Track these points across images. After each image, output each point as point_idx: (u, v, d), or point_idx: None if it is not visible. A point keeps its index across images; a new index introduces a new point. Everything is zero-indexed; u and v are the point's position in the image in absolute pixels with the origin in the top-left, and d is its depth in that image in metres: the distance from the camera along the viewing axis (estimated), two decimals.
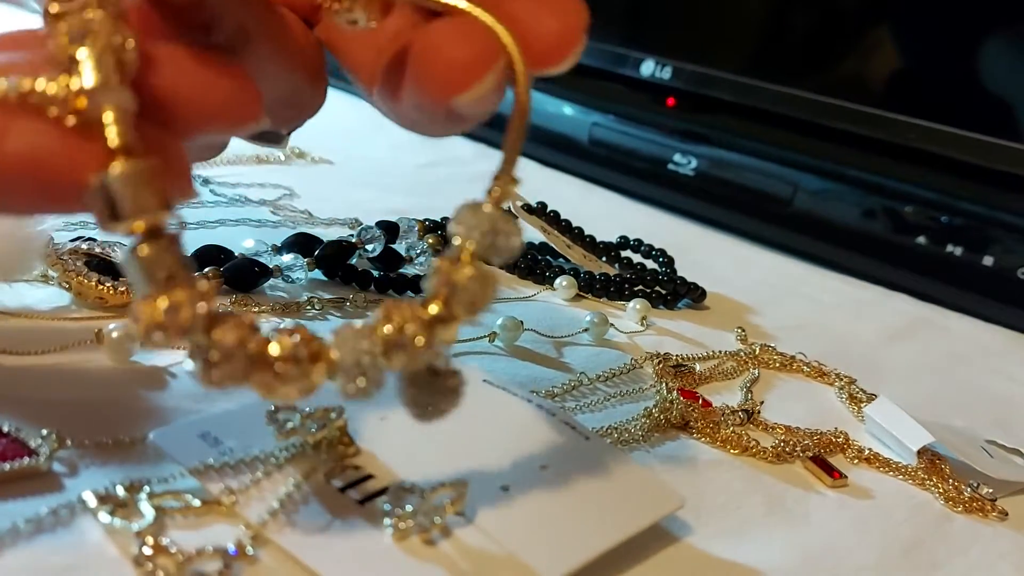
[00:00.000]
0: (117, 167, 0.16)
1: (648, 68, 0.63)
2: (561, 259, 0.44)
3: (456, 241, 0.19)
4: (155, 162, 0.17)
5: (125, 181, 0.16)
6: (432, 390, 0.19)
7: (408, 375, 0.19)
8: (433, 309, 0.19)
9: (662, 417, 0.29)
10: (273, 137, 0.26)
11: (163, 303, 0.16)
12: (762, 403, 0.33)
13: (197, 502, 0.20)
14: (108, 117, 0.16)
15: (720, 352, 0.36)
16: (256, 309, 0.31)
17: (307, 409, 0.23)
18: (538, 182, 0.62)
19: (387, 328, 0.18)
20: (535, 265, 0.41)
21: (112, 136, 0.16)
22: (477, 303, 0.19)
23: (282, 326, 0.18)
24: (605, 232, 0.46)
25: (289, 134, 0.27)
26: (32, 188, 0.17)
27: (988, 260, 0.47)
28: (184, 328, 0.17)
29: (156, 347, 0.19)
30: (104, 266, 0.30)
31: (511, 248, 0.19)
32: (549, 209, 0.45)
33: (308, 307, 0.33)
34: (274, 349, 0.17)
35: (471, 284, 0.19)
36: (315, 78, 0.24)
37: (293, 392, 0.17)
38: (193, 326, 0.17)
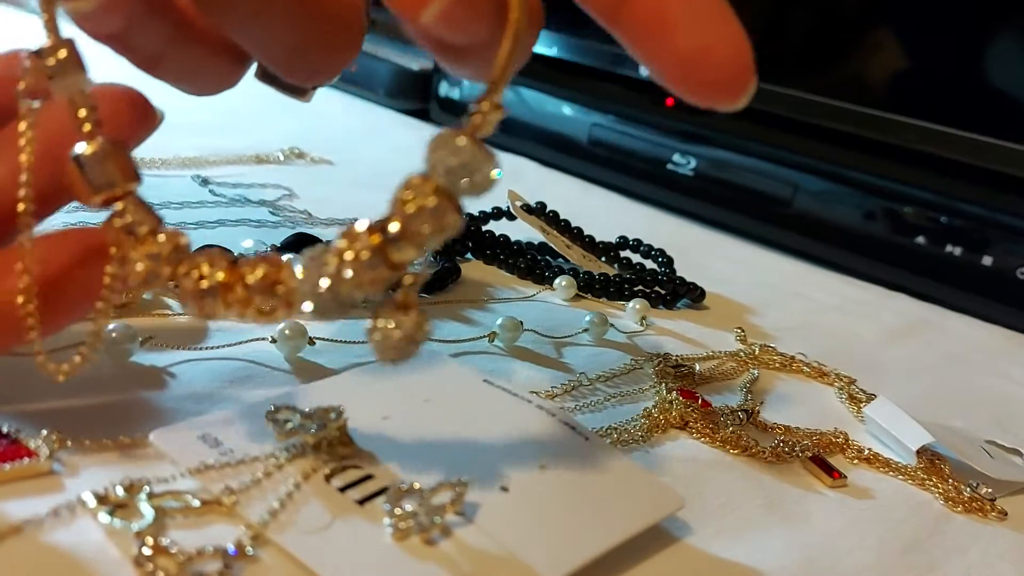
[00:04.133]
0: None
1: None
2: (560, 259, 0.44)
3: (425, 169, 0.19)
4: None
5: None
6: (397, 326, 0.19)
7: (376, 306, 0.20)
8: (393, 227, 0.19)
9: (662, 417, 0.29)
10: (296, 90, 0.27)
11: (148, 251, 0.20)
12: (762, 403, 0.33)
13: (197, 502, 0.20)
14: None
15: (720, 352, 0.36)
16: None
17: (307, 409, 0.23)
18: (537, 182, 0.62)
19: (342, 243, 0.19)
20: (534, 265, 0.41)
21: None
22: (430, 233, 0.19)
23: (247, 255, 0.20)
24: (604, 232, 0.46)
25: (314, 89, 0.27)
26: None
27: (987, 260, 0.47)
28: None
29: (146, 289, 0.21)
30: None
31: (483, 186, 0.19)
32: (548, 209, 0.45)
33: None
34: (250, 278, 0.20)
35: (427, 215, 0.19)
36: (331, 30, 0.23)
37: (258, 316, 0.20)
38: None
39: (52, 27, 0.19)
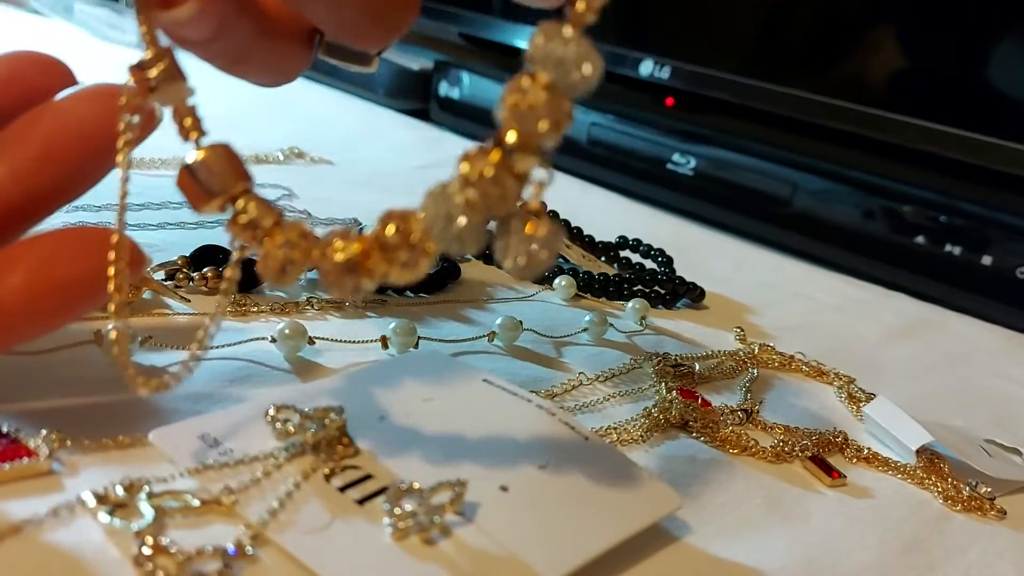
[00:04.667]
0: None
1: (647, 68, 0.63)
2: (560, 259, 0.44)
3: (528, 69, 0.18)
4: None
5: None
6: (523, 238, 0.19)
7: (500, 224, 0.19)
8: (510, 137, 0.18)
9: (661, 417, 0.29)
10: (361, 57, 0.27)
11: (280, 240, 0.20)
12: (761, 403, 0.33)
13: (196, 502, 0.20)
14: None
15: (719, 352, 0.36)
16: (255, 309, 0.32)
17: (306, 409, 0.23)
18: None
19: (463, 167, 0.18)
20: None
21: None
22: (548, 131, 0.18)
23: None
24: (604, 232, 0.46)
25: (378, 54, 0.27)
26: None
27: (987, 260, 0.47)
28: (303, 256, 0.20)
29: (283, 281, 0.21)
30: None
31: (590, 80, 0.18)
32: (548, 209, 0.45)
33: (307, 307, 0.33)
34: (384, 237, 0.19)
35: (542, 111, 0.18)
36: None
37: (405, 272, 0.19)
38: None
39: (152, 39, 0.19)
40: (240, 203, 0.20)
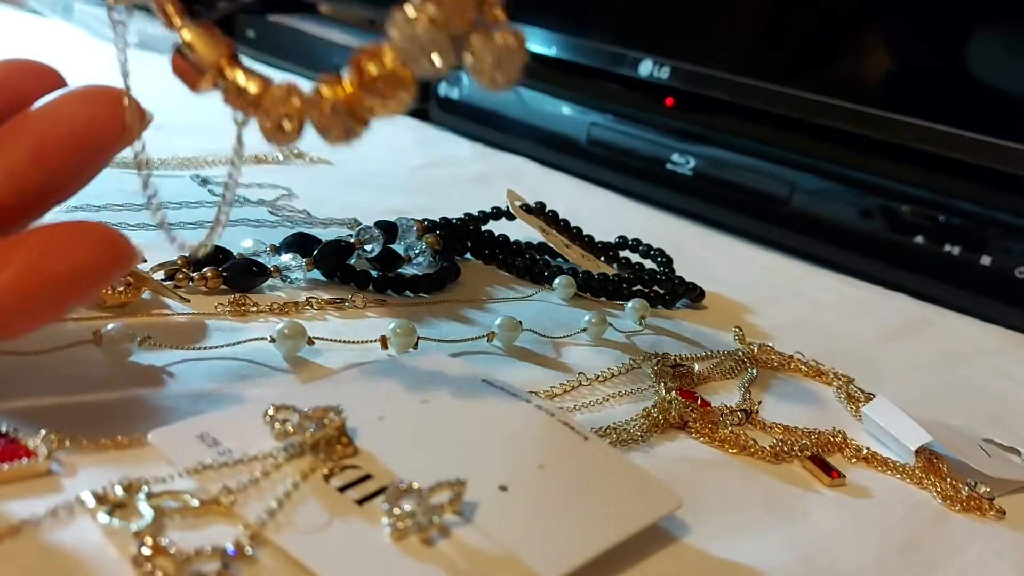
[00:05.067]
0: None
1: (646, 68, 0.63)
2: (559, 259, 0.44)
3: None
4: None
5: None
6: (491, 50, 0.20)
7: (465, 40, 0.20)
8: None
9: (660, 417, 0.29)
10: None
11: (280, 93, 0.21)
12: (760, 403, 0.33)
13: (196, 502, 0.20)
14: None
15: (718, 352, 0.36)
16: (255, 309, 0.31)
17: (305, 409, 0.23)
18: (536, 181, 0.62)
19: None
20: (533, 265, 0.41)
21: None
22: None
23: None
24: (603, 232, 0.46)
25: None
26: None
27: (986, 259, 0.47)
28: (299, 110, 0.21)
29: (286, 139, 0.22)
30: None
31: None
32: (547, 209, 0.45)
33: (306, 307, 0.33)
34: (371, 75, 0.20)
35: None
36: None
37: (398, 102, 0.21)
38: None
39: None
40: (229, 73, 0.21)
